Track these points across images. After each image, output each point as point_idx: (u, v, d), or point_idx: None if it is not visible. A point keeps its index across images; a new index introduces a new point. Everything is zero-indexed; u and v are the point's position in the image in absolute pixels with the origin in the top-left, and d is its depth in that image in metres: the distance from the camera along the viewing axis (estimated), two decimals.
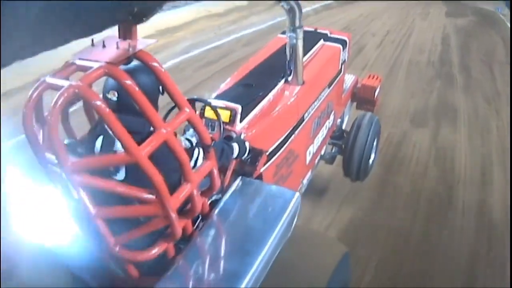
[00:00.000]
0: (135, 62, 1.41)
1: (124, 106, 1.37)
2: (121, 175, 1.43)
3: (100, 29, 1.19)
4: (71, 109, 1.61)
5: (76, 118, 1.68)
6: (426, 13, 11.34)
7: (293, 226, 1.74)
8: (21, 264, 1.98)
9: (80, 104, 1.51)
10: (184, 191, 1.40)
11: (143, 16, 1.24)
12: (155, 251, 1.49)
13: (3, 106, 4.24)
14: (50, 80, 1.29)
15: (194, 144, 1.57)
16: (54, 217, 1.82)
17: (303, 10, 2.41)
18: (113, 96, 1.40)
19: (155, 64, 1.33)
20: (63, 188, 1.43)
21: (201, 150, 1.54)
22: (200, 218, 1.69)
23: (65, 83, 1.22)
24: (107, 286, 1.81)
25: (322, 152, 3.27)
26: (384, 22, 10.11)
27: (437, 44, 8.56)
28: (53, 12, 0.90)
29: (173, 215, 1.38)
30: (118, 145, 1.41)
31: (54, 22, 0.92)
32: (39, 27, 0.89)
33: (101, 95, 1.42)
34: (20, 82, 4.34)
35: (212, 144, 1.53)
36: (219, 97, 2.28)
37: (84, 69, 1.30)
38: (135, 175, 1.36)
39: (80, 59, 1.33)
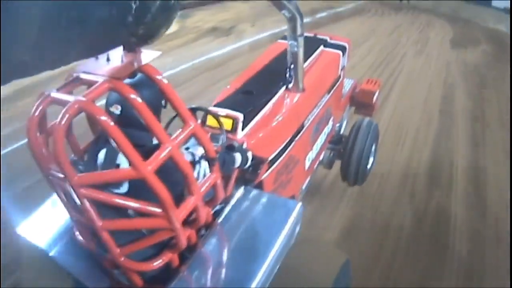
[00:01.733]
0: (138, 75, 1.42)
1: (127, 119, 1.38)
2: (124, 188, 1.44)
3: (102, 51, 1.19)
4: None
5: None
6: (424, 41, 8.47)
7: (295, 235, 1.76)
8: (23, 268, 2.00)
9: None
10: (189, 204, 1.42)
11: (147, 38, 1.22)
12: (160, 261, 1.50)
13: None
14: (54, 95, 1.29)
15: (196, 156, 1.58)
16: (57, 224, 1.83)
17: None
18: (116, 110, 1.40)
19: (159, 77, 1.33)
20: (68, 199, 1.44)
21: (206, 163, 1.55)
22: (204, 227, 1.71)
23: (69, 98, 1.23)
24: None
25: (321, 158, 3.29)
26: (355, 63, 6.31)
27: (431, 116, 5.12)
28: (54, 31, 0.90)
29: (179, 227, 1.39)
30: (120, 159, 1.42)
31: (56, 41, 0.92)
32: (40, 45, 0.89)
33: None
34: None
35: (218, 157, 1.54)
36: (220, 104, 2.28)
37: (89, 83, 1.30)
38: (138, 188, 1.36)
39: (84, 72, 1.33)
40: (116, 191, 1.45)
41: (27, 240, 1.84)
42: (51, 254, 1.79)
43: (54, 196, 1.87)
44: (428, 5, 11.85)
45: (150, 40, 1.23)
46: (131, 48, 1.30)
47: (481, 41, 8.71)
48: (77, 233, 1.64)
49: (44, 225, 1.87)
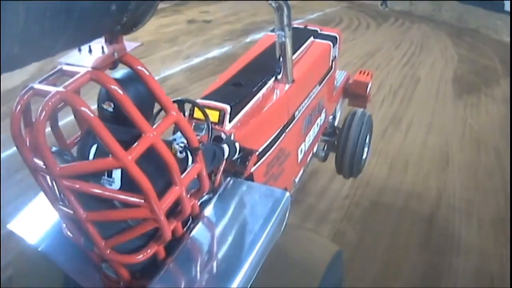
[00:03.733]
0: (126, 68, 1.41)
1: (120, 116, 1.35)
2: (116, 184, 1.43)
3: (88, 40, 1.19)
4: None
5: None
6: (409, 89, 5.41)
7: (283, 226, 1.75)
8: (16, 265, 2.00)
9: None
10: (172, 194, 1.41)
11: (132, 26, 1.22)
12: (146, 254, 1.50)
13: None
14: (37, 86, 1.29)
15: (186, 149, 1.57)
16: (46, 220, 1.83)
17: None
18: (109, 107, 1.38)
19: (140, 67, 1.33)
20: (53, 193, 1.44)
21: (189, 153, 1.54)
22: (190, 219, 1.70)
23: (51, 89, 1.22)
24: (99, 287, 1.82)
25: (314, 150, 3.28)
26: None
27: None
28: (40, 22, 0.89)
29: (162, 218, 1.39)
30: None
31: (41, 32, 0.92)
32: (25, 37, 0.89)
33: (94, 104, 1.42)
34: None
35: (202, 147, 1.53)
36: (208, 97, 2.27)
37: (70, 74, 1.29)
38: (131, 184, 1.36)
39: (67, 64, 1.33)
40: (109, 187, 1.44)
41: (18, 236, 1.84)
42: (41, 249, 1.79)
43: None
44: (426, 10, 9.31)
45: (135, 27, 1.23)
46: (116, 37, 1.29)
47: (499, 75, 5.95)
48: (64, 227, 1.64)
49: (34, 220, 1.87)
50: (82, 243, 1.59)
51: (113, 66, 1.37)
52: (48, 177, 1.39)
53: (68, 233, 1.62)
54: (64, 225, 1.64)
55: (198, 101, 2.18)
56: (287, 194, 1.78)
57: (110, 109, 1.39)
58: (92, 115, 1.21)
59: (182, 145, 1.60)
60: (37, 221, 1.87)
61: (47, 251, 1.80)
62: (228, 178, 1.88)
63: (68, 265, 1.82)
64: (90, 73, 1.24)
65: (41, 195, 1.89)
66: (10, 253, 2.02)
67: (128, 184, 1.40)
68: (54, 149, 1.47)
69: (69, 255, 1.81)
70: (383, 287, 2.83)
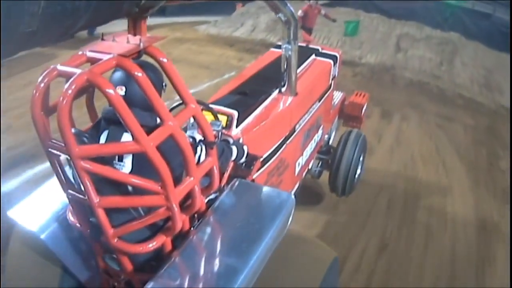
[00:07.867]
0: (141, 59, 1.45)
1: (131, 100, 1.38)
2: (127, 169, 1.45)
3: (106, 21, 1.23)
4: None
5: None
6: None
7: (287, 227, 1.76)
8: (14, 256, 1.95)
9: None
10: (187, 184, 1.43)
11: (149, 8, 1.28)
12: (153, 244, 1.50)
13: None
14: (60, 67, 1.31)
15: (197, 141, 1.60)
16: (50, 209, 1.81)
17: None
18: (121, 91, 1.41)
19: (164, 59, 1.37)
20: (66, 177, 1.44)
21: (203, 146, 1.57)
22: (196, 216, 1.71)
23: (76, 71, 1.24)
24: (98, 284, 1.80)
25: (310, 166, 3.32)
26: None
27: None
28: (62, 3, 0.92)
29: (175, 207, 1.40)
30: (124, 139, 1.43)
31: (63, 12, 0.94)
32: (46, 14, 0.91)
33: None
34: None
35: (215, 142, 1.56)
36: (215, 102, 2.32)
37: (94, 60, 1.32)
38: (141, 169, 1.37)
39: (91, 51, 1.36)
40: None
41: (16, 224, 1.82)
42: (42, 237, 1.76)
43: (47, 183, 1.86)
44: (426, 67, 5.65)
45: (152, 10, 1.30)
46: (137, 22, 1.35)
47: None
48: (70, 215, 1.63)
49: (36, 209, 1.84)
50: (87, 232, 1.58)
51: (138, 56, 1.42)
52: (62, 161, 1.40)
53: (74, 221, 1.61)
54: (70, 213, 1.64)
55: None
56: (292, 196, 1.81)
57: (122, 93, 1.42)
58: (119, 98, 1.23)
59: (196, 138, 1.64)
60: (39, 209, 1.84)
61: (47, 242, 1.77)
62: (235, 179, 1.90)
63: (67, 257, 1.80)
64: (116, 59, 1.27)
65: (44, 186, 1.89)
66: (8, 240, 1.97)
67: (139, 170, 1.43)
68: (73, 130, 1.48)
69: (69, 247, 1.79)
70: None
